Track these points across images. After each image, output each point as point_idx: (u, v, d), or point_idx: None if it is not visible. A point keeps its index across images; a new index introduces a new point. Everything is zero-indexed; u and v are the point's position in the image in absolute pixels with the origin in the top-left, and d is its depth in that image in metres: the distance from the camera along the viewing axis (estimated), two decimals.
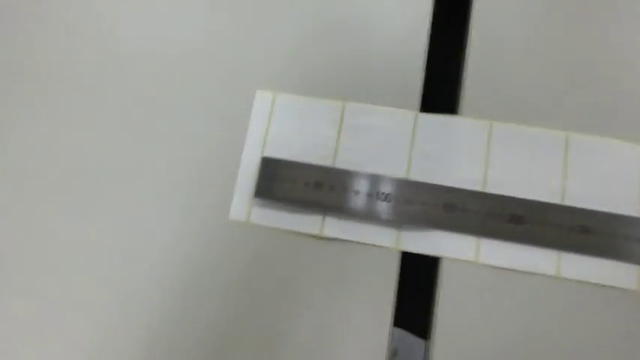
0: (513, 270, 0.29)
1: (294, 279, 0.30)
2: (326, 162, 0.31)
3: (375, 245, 0.30)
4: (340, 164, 0.31)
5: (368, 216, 0.30)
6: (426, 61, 0.32)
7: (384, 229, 0.30)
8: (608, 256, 0.29)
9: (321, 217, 0.31)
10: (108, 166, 0.32)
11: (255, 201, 0.31)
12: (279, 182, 0.31)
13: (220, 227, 0.31)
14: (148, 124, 0.33)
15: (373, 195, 0.30)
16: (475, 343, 0.28)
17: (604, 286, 0.29)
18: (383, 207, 0.30)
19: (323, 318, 0.29)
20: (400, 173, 0.31)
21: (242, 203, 0.32)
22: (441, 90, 0.33)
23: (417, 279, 0.30)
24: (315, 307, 0.29)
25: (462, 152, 0.31)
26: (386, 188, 0.30)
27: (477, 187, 0.30)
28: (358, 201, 0.30)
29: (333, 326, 0.29)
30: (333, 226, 0.30)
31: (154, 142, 0.33)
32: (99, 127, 0.33)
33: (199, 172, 0.32)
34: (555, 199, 0.30)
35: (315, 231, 0.30)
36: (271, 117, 0.33)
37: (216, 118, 0.33)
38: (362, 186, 0.30)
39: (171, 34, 0.34)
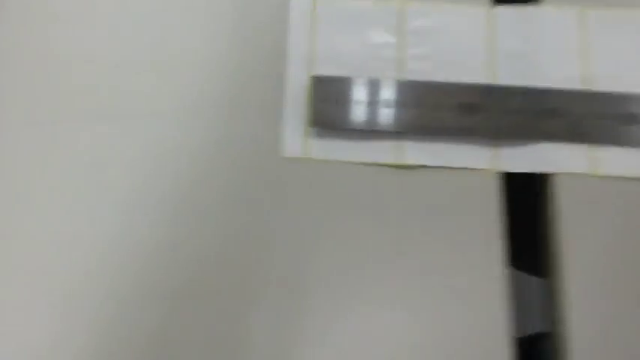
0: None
1: (375, 221, 0.24)
2: (390, 75, 0.25)
3: (468, 169, 0.24)
4: (409, 76, 0.25)
5: (456, 133, 0.24)
6: None
7: (477, 148, 0.24)
8: None
9: (397, 141, 0.25)
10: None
11: (312, 131, 0.25)
12: (338, 105, 0.25)
13: (272, 168, 0.25)
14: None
15: (456, 107, 0.24)
16: (608, 274, 0.23)
17: None
18: (473, 121, 0.24)
19: (421, 265, 0.23)
20: (484, 79, 0.25)
21: (296, 136, 0.25)
22: None
23: (522, 205, 0.25)
24: (408, 254, 0.23)
25: (553, 47, 0.25)
26: (472, 98, 0.24)
27: (579, 86, 0.25)
28: (442, 116, 0.24)
29: (434, 273, 0.23)
30: (415, 151, 0.25)
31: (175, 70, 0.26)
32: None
33: (234, 103, 0.25)
34: None
35: (393, 159, 0.24)
36: (314, 27, 0.26)
37: (248, 33, 0.26)
38: (442, 98, 0.24)
39: None
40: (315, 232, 0.24)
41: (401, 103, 0.25)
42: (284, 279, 0.24)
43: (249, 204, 0.25)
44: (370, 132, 0.25)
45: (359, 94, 0.25)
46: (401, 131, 0.25)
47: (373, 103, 0.25)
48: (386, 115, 0.24)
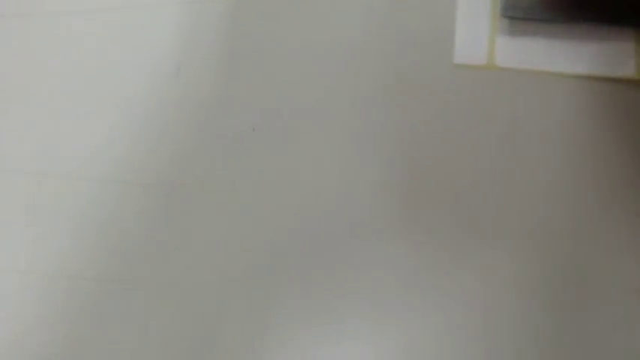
0: None
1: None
2: None
3: None
4: None
5: None
6: None
7: None
8: None
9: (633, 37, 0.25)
10: None
11: (500, 27, 0.25)
12: None
13: (440, 79, 0.26)
14: None
15: None
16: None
17: None
18: None
19: None
20: None
21: (474, 36, 0.25)
22: None
23: None
24: None
25: None
26: None
27: None
28: None
29: None
30: None
31: None
32: None
33: None
34: None
35: (630, 71, 0.25)
36: None
37: None
38: None
39: None
40: None
41: None
42: None
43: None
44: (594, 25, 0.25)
45: None
46: None
47: None
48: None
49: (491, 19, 0.28)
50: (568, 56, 0.27)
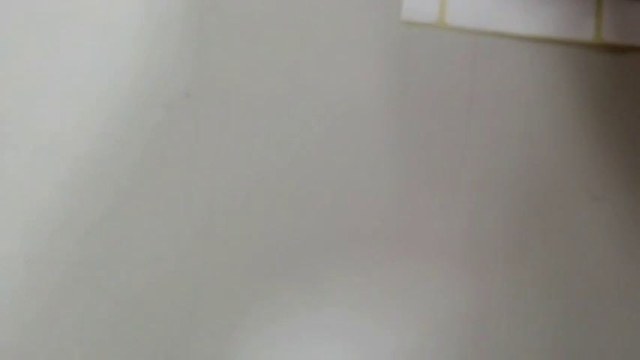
0: None
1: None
2: None
3: None
4: None
5: None
6: None
7: None
8: None
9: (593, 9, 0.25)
10: None
11: None
12: None
13: (388, 38, 0.25)
14: None
15: None
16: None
17: None
18: None
19: None
20: None
21: None
22: None
23: None
24: None
25: None
26: None
27: None
28: None
29: None
30: (615, 25, 0.25)
31: None
32: None
33: None
34: None
35: (588, 35, 0.25)
36: None
37: None
38: None
39: None
40: None
41: None
42: None
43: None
44: None
45: None
46: None
47: None
48: None
49: None
50: (524, 16, 0.26)
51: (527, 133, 0.26)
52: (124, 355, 0.24)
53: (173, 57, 0.26)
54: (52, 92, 0.26)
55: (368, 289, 0.24)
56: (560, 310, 0.24)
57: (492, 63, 0.26)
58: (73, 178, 0.25)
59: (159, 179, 0.25)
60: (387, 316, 0.24)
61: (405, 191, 0.25)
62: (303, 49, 0.26)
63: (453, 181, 0.25)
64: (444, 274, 0.24)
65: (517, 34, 0.26)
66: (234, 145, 0.26)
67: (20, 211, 0.25)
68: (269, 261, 0.25)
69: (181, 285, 0.25)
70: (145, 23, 0.26)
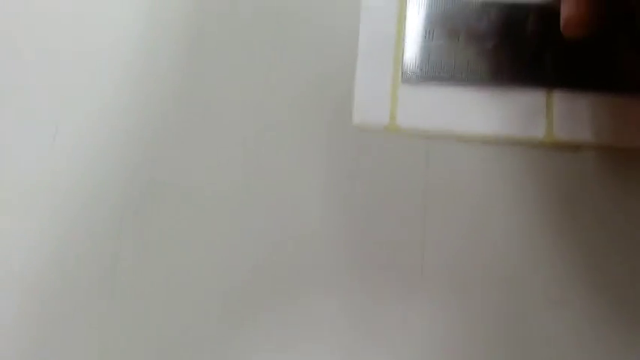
0: None
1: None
2: None
3: None
4: None
5: None
6: None
7: None
8: None
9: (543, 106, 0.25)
10: None
11: (402, 86, 0.26)
12: (444, 41, 0.25)
13: (340, 140, 0.26)
14: None
15: None
16: None
17: None
18: None
19: None
20: None
21: (374, 96, 0.26)
22: None
23: None
24: None
25: None
26: None
27: None
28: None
29: None
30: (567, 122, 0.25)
31: None
32: None
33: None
34: None
35: (540, 133, 0.25)
36: None
37: None
38: None
39: None
40: None
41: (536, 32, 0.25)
42: None
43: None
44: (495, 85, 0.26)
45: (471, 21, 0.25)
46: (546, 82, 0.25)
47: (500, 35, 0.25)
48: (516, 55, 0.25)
49: (393, 78, 0.27)
50: (475, 117, 0.26)
51: (485, 237, 0.25)
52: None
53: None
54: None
55: None
56: None
57: (446, 164, 0.26)
58: None
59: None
60: None
61: (357, 304, 0.25)
62: (255, 152, 0.26)
63: (409, 290, 0.25)
64: None
65: (468, 135, 0.26)
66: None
67: None
68: None
69: None
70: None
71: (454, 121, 0.26)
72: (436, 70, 0.26)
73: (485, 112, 0.26)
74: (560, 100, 0.26)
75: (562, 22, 0.23)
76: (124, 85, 0.27)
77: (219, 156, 0.27)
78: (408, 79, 0.26)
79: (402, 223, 0.25)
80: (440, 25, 0.26)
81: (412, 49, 0.26)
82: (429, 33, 0.27)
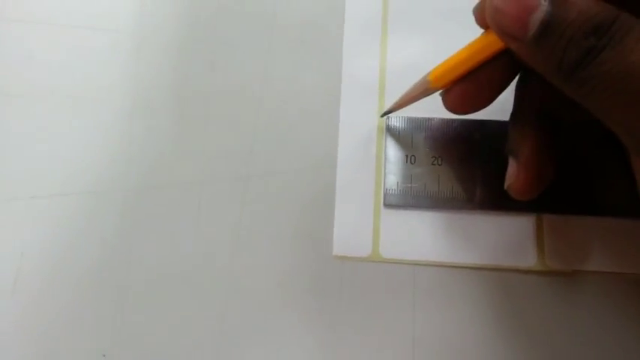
0: None
1: None
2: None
3: None
4: None
5: None
6: None
7: None
8: None
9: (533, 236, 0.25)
10: None
11: (384, 216, 0.26)
12: (426, 167, 0.26)
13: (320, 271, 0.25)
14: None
15: None
16: None
17: None
18: None
19: None
20: None
21: (355, 227, 0.26)
22: None
23: None
24: None
25: None
26: None
27: None
28: None
29: None
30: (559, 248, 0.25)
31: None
32: None
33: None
34: None
35: (530, 262, 0.25)
36: None
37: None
38: None
39: None
40: None
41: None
42: None
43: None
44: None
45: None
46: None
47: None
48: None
49: (374, 205, 0.26)
50: (462, 246, 0.25)
51: None
52: None
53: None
54: None
55: None
56: None
57: (432, 292, 0.25)
58: None
59: None
60: None
61: None
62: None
63: None
64: None
65: (455, 264, 0.25)
66: None
67: None
68: None
69: None
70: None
71: (440, 250, 0.25)
72: (419, 197, 0.25)
73: (472, 241, 0.25)
74: (551, 226, 0.25)
75: (505, 185, 0.22)
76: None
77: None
78: (389, 205, 0.25)
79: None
80: (421, 150, 0.26)
81: (393, 176, 0.26)
82: (409, 158, 0.26)
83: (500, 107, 0.26)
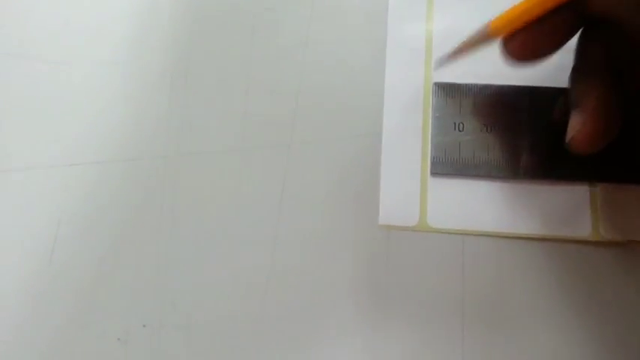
0: None
1: None
2: None
3: None
4: None
5: None
6: None
7: None
8: None
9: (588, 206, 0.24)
10: None
11: (432, 185, 0.25)
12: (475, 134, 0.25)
13: (365, 242, 0.24)
14: None
15: None
16: None
17: None
18: None
19: None
20: None
21: (402, 196, 0.25)
22: None
23: None
24: None
25: None
26: None
27: None
28: None
29: None
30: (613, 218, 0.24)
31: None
32: None
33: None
34: None
35: (585, 232, 0.24)
36: None
37: None
38: None
39: None
40: None
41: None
42: None
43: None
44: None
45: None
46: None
47: None
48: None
49: (421, 173, 0.25)
50: (513, 216, 0.24)
51: (527, 341, 0.23)
52: None
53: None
54: None
55: None
56: None
57: (481, 263, 0.24)
58: None
59: None
60: None
61: None
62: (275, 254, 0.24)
63: None
64: None
65: (507, 234, 0.24)
66: None
67: None
68: None
69: None
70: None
71: (489, 220, 0.24)
72: (467, 165, 0.24)
73: (522, 211, 0.24)
74: (606, 195, 0.24)
75: (567, 137, 0.21)
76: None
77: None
78: (436, 173, 0.25)
79: (439, 329, 0.23)
80: (469, 117, 0.25)
81: (441, 144, 0.25)
82: (457, 125, 0.25)
83: (550, 74, 0.25)
